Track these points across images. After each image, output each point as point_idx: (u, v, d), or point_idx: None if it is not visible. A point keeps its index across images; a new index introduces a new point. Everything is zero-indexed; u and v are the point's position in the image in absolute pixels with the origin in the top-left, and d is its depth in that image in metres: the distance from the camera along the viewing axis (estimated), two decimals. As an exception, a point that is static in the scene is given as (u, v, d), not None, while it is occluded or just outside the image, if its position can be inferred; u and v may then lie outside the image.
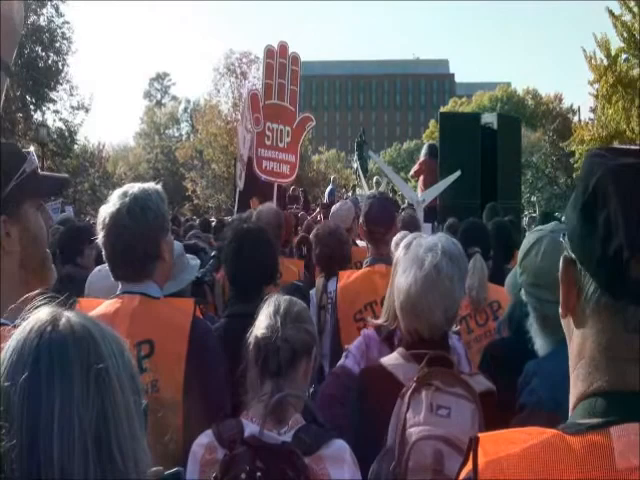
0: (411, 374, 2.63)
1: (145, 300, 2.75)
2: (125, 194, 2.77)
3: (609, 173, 1.14)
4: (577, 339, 1.20)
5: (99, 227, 2.79)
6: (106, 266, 4.04)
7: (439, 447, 2.38)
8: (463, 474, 1.15)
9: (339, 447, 2.31)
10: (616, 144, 28.64)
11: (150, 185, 2.88)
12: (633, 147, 1.20)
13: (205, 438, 2.35)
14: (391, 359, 2.85)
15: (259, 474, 2.14)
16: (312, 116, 12.29)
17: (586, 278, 1.16)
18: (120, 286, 2.83)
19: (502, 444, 1.13)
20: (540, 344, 2.74)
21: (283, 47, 11.24)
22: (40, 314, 1.24)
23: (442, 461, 2.37)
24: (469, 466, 1.13)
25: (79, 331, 1.22)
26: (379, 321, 3.28)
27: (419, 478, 2.38)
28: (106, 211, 2.77)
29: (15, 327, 1.29)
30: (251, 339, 2.50)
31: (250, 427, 2.30)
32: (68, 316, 1.24)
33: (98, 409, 1.18)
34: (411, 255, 2.88)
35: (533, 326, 2.78)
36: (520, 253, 2.88)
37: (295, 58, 11.32)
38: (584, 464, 1.05)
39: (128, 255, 2.76)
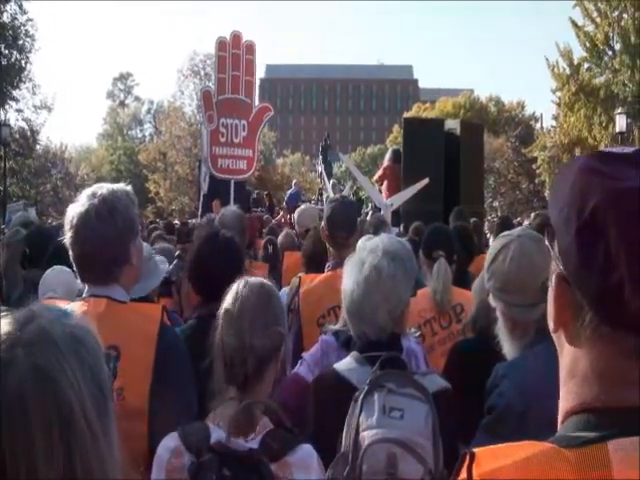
0: (364, 377, 2.59)
1: (111, 304, 2.68)
2: (94, 195, 2.70)
3: (609, 198, 1.07)
4: (569, 357, 1.16)
5: (66, 227, 2.71)
6: (59, 267, 3.99)
7: (393, 450, 2.36)
8: None
9: (305, 453, 2.26)
10: (578, 152, 28.99)
11: (120, 186, 2.81)
12: (628, 150, 1.14)
13: (171, 442, 2.28)
14: (345, 364, 2.82)
15: None
16: (270, 105, 12.11)
17: (582, 303, 1.10)
18: (86, 288, 2.76)
19: (496, 457, 1.10)
20: (508, 348, 2.76)
21: (237, 37, 10.88)
22: None
23: (396, 464, 2.35)
24: (463, 476, 1.09)
25: (36, 376, 1.20)
26: (337, 326, 3.27)
27: None
28: (74, 211, 2.70)
29: None
30: (217, 340, 2.43)
31: (217, 432, 2.25)
32: (21, 353, 1.21)
33: (65, 460, 1.18)
34: (355, 258, 2.89)
35: (501, 330, 2.79)
36: (488, 258, 2.88)
37: (250, 46, 10.98)
38: (582, 477, 1.04)
39: (95, 258, 2.69)
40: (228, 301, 2.48)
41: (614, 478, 1.02)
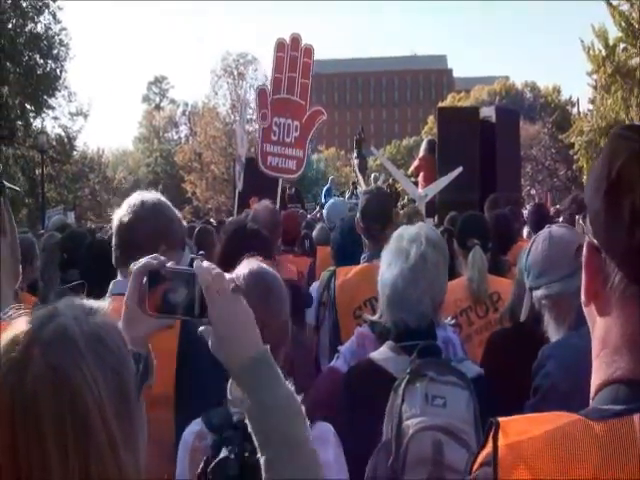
0: (402, 367, 2.64)
1: None
2: (138, 199, 2.94)
3: (636, 158, 1.09)
4: (601, 327, 1.17)
5: (114, 224, 2.93)
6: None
7: (438, 437, 2.40)
8: (481, 457, 1.12)
9: (323, 430, 2.28)
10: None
11: (161, 197, 3.04)
12: None
13: (195, 426, 2.37)
14: (381, 353, 2.86)
15: (247, 454, 2.13)
16: (322, 109, 12.16)
17: (611, 267, 1.11)
18: (111, 286, 2.89)
19: (523, 428, 1.11)
20: (553, 332, 2.78)
21: (295, 40, 11.13)
22: (14, 355, 1.19)
23: (442, 451, 2.38)
24: (488, 449, 1.10)
25: (52, 376, 1.17)
26: (375, 317, 3.25)
27: (419, 470, 2.39)
28: (118, 214, 2.94)
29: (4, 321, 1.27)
30: None
31: (238, 414, 2.25)
32: (38, 353, 1.18)
33: (80, 464, 1.16)
34: (394, 247, 2.91)
35: (546, 318, 2.81)
36: (523, 257, 2.99)
37: (308, 50, 11.18)
38: (606, 450, 1.03)
39: (136, 248, 2.77)
40: None
41: (639, 453, 1.02)
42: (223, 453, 2.16)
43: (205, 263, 1.64)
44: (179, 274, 1.67)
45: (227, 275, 1.63)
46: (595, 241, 1.14)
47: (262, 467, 1.53)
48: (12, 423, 1.14)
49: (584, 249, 1.18)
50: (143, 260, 1.72)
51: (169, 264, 1.70)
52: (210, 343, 1.64)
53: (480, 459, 1.12)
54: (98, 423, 1.18)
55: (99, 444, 1.18)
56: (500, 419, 1.12)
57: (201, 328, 1.65)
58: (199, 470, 2.18)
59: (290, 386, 1.62)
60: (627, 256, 1.08)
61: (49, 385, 1.16)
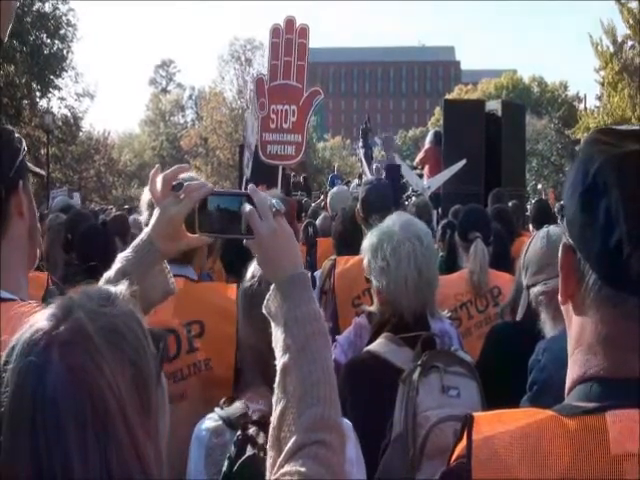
0: (406, 358, 2.65)
1: (188, 283, 2.92)
2: None
3: (611, 161, 1.11)
4: (576, 326, 1.19)
5: (144, 207, 2.88)
6: None
7: (458, 427, 2.39)
8: (458, 450, 1.17)
9: (345, 425, 2.26)
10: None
11: None
12: (635, 127, 1.18)
13: (211, 422, 2.30)
14: (381, 345, 2.84)
15: None
16: (320, 89, 12.09)
17: (586, 268, 1.14)
18: None
19: (496, 423, 1.15)
20: (550, 330, 2.78)
21: (290, 22, 11.00)
22: (33, 359, 1.18)
23: None
24: (464, 442, 1.15)
25: (71, 378, 1.18)
26: (372, 308, 3.23)
27: (438, 460, 2.36)
28: None
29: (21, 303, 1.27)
30: (241, 337, 2.44)
31: (257, 408, 2.24)
32: (56, 356, 1.18)
33: (101, 461, 1.16)
34: (386, 237, 2.89)
35: (543, 316, 2.83)
36: (522, 254, 3.03)
37: (303, 30, 11.01)
38: (578, 447, 1.06)
39: None
40: (242, 292, 2.41)
41: (610, 451, 1.05)
42: (249, 451, 2.10)
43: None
44: (228, 196, 1.83)
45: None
46: (571, 241, 1.17)
47: (277, 374, 1.61)
48: (33, 425, 1.15)
49: (560, 249, 1.20)
50: (194, 184, 1.84)
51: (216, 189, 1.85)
52: (256, 258, 1.76)
53: (457, 452, 1.17)
54: (118, 418, 1.19)
55: (119, 438, 1.19)
56: (475, 414, 1.18)
57: (245, 242, 1.75)
58: (224, 469, 2.12)
59: (321, 311, 1.71)
60: (601, 258, 1.11)
61: (69, 387, 1.17)
